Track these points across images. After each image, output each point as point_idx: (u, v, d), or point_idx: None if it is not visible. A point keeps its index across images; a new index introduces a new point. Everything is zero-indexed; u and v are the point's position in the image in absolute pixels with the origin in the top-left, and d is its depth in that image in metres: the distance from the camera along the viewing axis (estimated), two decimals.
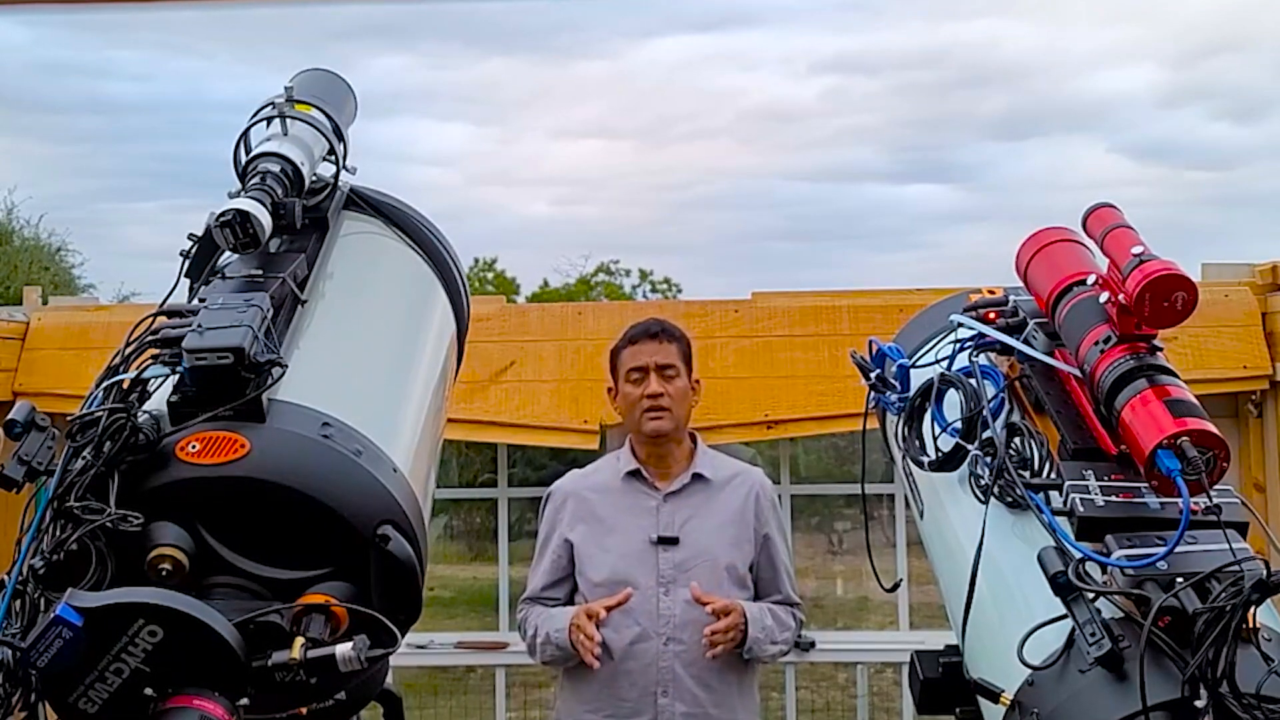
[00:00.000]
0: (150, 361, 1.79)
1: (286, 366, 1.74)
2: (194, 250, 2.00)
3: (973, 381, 1.99)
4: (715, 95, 40.30)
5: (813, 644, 5.33)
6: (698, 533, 3.24)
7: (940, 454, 2.03)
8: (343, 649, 1.58)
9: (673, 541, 3.21)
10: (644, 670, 3.17)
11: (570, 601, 3.32)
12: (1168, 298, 1.73)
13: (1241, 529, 1.68)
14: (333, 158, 2.19)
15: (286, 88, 2.18)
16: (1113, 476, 1.74)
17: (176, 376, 1.73)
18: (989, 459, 1.89)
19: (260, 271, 1.92)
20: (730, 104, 40.53)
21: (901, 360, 2.20)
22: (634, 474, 3.30)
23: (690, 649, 3.16)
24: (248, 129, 2.12)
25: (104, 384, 1.75)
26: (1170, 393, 1.71)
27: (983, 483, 1.89)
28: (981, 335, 2.07)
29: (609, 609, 3.10)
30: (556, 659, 3.23)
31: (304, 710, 1.70)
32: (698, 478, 3.29)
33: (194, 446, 1.64)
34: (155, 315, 1.87)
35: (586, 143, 41.28)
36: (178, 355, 1.72)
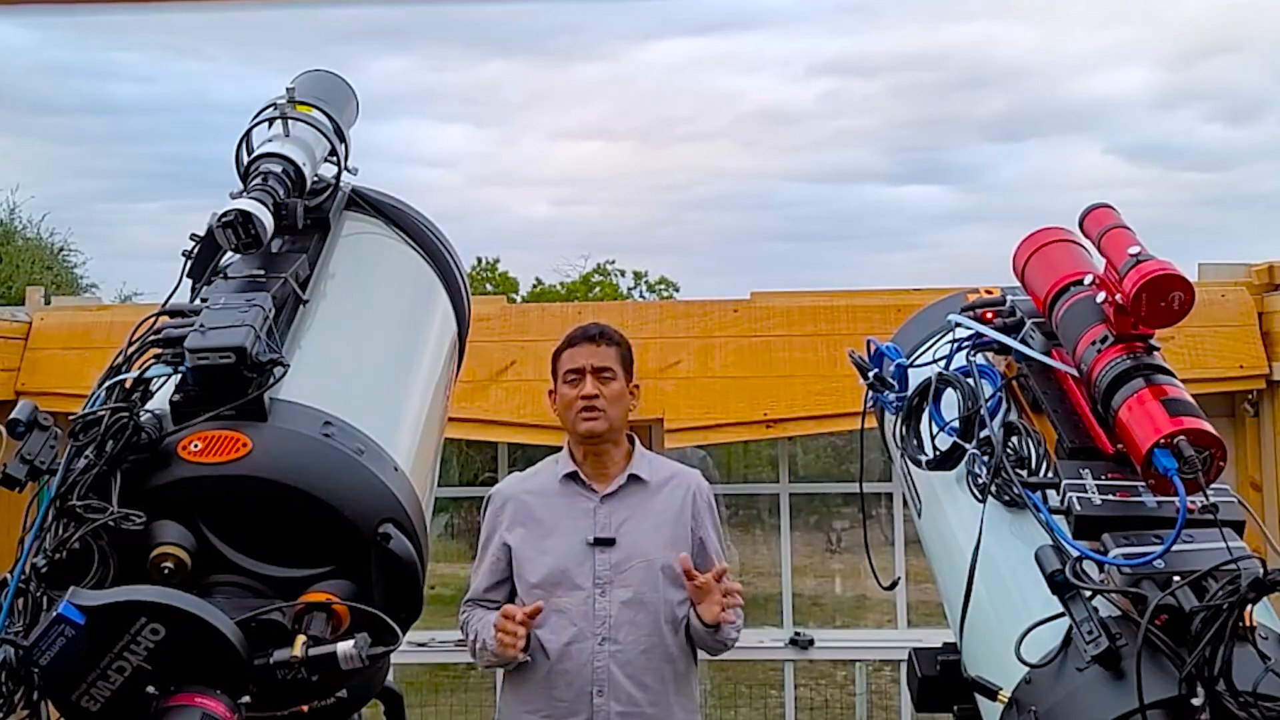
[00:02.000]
0: (153, 361, 1.80)
1: (288, 366, 1.74)
2: (196, 250, 2.01)
3: (970, 381, 2.00)
4: (714, 97, 40.37)
5: (811, 642, 5.34)
6: (634, 534, 3.27)
7: (938, 453, 2.04)
8: (344, 647, 1.58)
9: (609, 542, 3.24)
10: (579, 670, 3.19)
11: (510, 603, 3.35)
12: (1164, 298, 1.73)
13: (1238, 528, 1.68)
14: (334, 158, 2.20)
15: (288, 89, 2.18)
16: (1110, 475, 1.75)
17: (179, 376, 1.73)
18: (986, 458, 1.89)
19: (262, 271, 1.93)
20: (729, 106, 40.59)
21: (899, 360, 2.21)
22: (571, 476, 3.33)
23: (626, 649, 3.19)
24: (250, 130, 2.12)
25: (106, 383, 1.76)
26: (1167, 392, 1.72)
27: (980, 481, 1.90)
28: (979, 335, 2.07)
29: (529, 615, 3.12)
30: (494, 663, 3.30)
31: (305, 708, 1.70)
32: (634, 479, 3.32)
33: (196, 445, 1.65)
34: (158, 315, 1.87)
35: (586, 144, 41.33)
36: (180, 355, 1.73)
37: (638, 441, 3.44)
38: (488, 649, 3.21)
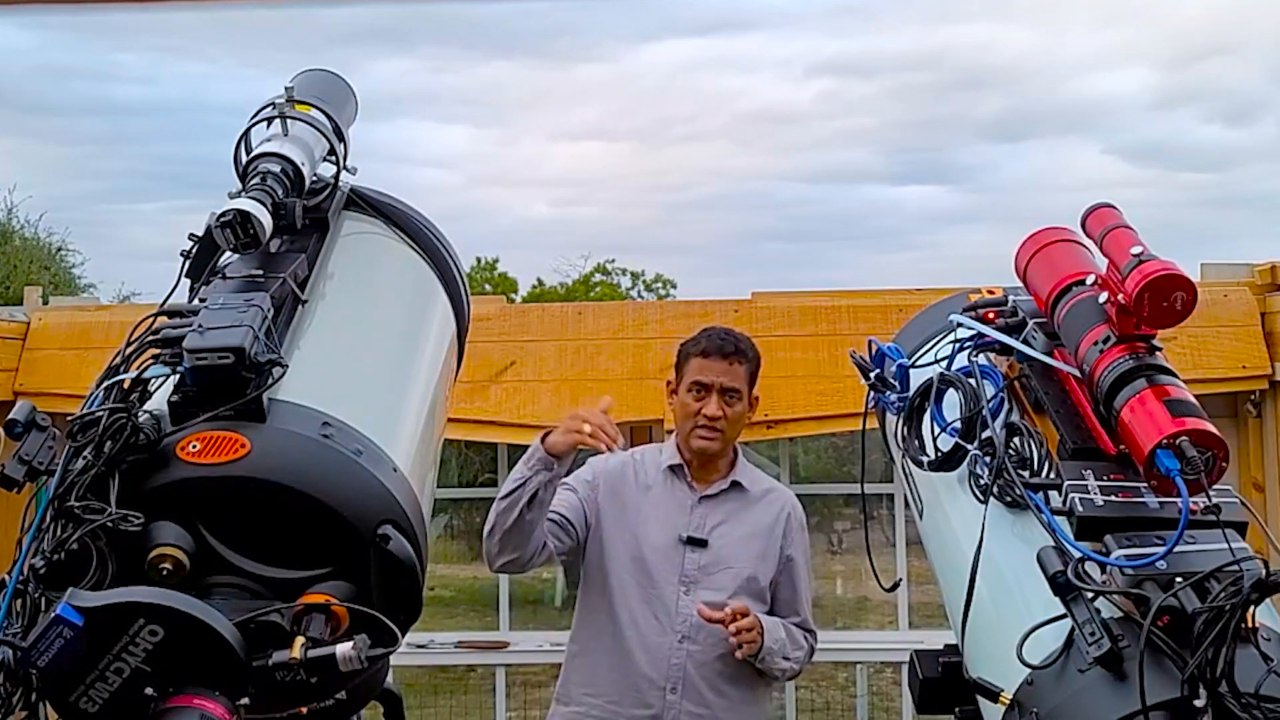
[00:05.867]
0: (151, 361, 1.79)
1: (287, 366, 1.74)
2: (195, 250, 2.00)
3: (972, 381, 1.99)
4: (713, 98, 40.41)
5: None
6: (725, 539, 3.24)
7: (939, 454, 2.04)
8: (343, 648, 1.58)
9: (701, 543, 3.22)
10: (655, 664, 3.17)
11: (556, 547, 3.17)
12: (1167, 298, 1.73)
13: (1240, 529, 1.68)
14: (333, 158, 2.19)
15: (287, 88, 2.18)
16: (1112, 476, 1.75)
17: (177, 376, 1.73)
18: (988, 459, 1.89)
19: (261, 271, 1.92)
20: (727, 106, 40.65)
21: (901, 360, 2.20)
22: (675, 469, 3.30)
23: (704, 650, 3.16)
24: (248, 129, 2.12)
25: (105, 384, 1.75)
26: (1169, 393, 1.72)
27: (982, 482, 1.90)
28: (981, 335, 2.07)
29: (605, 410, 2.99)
30: (540, 471, 2.98)
31: (304, 709, 1.70)
32: (735, 485, 3.29)
33: (194, 446, 1.64)
34: (156, 315, 1.87)
35: (586, 144, 41.36)
36: (178, 355, 1.73)
37: (740, 450, 3.41)
38: (534, 456, 2.97)
